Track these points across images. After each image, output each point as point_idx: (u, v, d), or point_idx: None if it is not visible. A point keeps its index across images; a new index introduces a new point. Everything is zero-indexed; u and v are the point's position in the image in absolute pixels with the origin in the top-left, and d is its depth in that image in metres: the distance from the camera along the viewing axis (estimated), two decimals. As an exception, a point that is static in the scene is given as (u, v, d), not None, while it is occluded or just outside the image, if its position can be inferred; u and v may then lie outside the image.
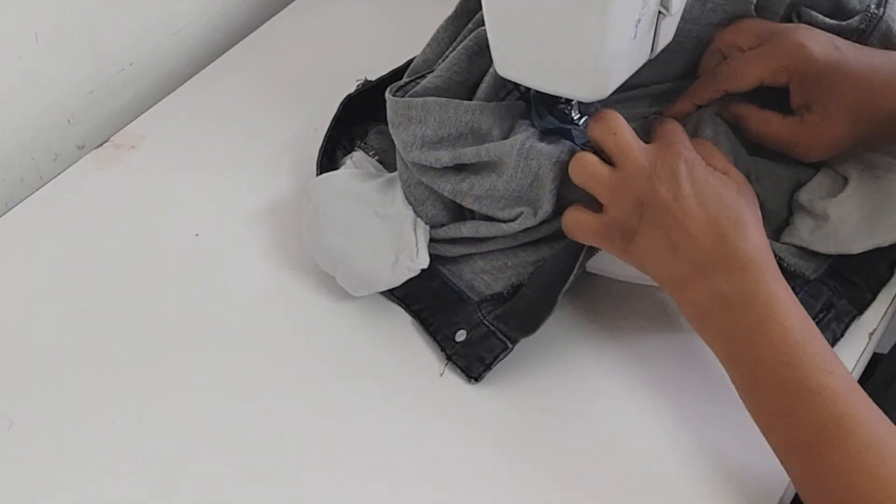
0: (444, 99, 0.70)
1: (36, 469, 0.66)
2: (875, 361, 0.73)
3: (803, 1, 0.74)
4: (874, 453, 0.55)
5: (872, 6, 0.73)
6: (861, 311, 0.70)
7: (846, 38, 0.71)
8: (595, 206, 0.66)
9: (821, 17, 0.73)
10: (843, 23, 0.73)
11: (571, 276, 0.67)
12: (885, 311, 0.71)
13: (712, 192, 0.63)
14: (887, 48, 0.72)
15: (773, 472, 0.62)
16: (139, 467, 0.65)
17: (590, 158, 0.65)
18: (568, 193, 0.68)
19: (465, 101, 0.70)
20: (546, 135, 0.70)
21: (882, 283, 0.71)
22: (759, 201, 0.68)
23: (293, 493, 0.64)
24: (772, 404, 0.59)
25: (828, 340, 0.66)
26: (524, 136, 0.69)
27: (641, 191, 0.63)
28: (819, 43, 0.68)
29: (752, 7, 0.73)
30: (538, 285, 0.69)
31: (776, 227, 0.72)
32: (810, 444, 0.56)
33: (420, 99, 0.70)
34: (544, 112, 0.71)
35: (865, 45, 0.72)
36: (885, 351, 0.78)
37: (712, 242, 0.61)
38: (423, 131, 0.70)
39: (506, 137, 0.70)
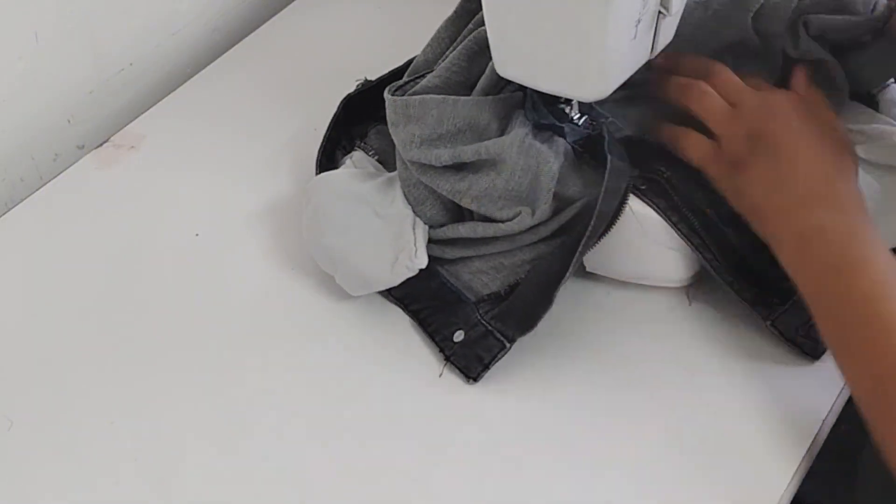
0: (440, 96, 0.70)
1: (36, 469, 0.66)
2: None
3: (808, 7, 0.72)
4: None
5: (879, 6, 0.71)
6: None
7: (860, 35, 0.71)
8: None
9: (831, 18, 0.71)
10: (858, 18, 0.70)
11: (568, 273, 0.67)
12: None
13: (823, 138, 0.66)
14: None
15: (771, 471, 0.62)
16: (139, 467, 0.65)
17: (709, 89, 0.69)
18: (566, 192, 0.68)
19: (463, 97, 0.70)
20: (539, 129, 0.70)
21: None
22: None
23: (293, 493, 0.64)
24: (857, 337, 0.60)
25: None
26: (524, 132, 0.69)
27: (756, 124, 0.67)
28: None
29: (751, 15, 0.72)
30: (535, 283, 0.69)
31: None
32: (889, 380, 0.57)
33: (418, 97, 0.70)
34: (539, 106, 0.71)
35: (878, 46, 0.71)
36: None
37: (818, 180, 0.64)
38: (422, 129, 0.70)
39: (504, 131, 0.70)
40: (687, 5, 0.72)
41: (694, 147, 0.69)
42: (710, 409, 0.66)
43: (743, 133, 0.67)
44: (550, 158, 0.67)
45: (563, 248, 0.69)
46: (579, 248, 0.67)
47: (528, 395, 0.68)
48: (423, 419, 0.67)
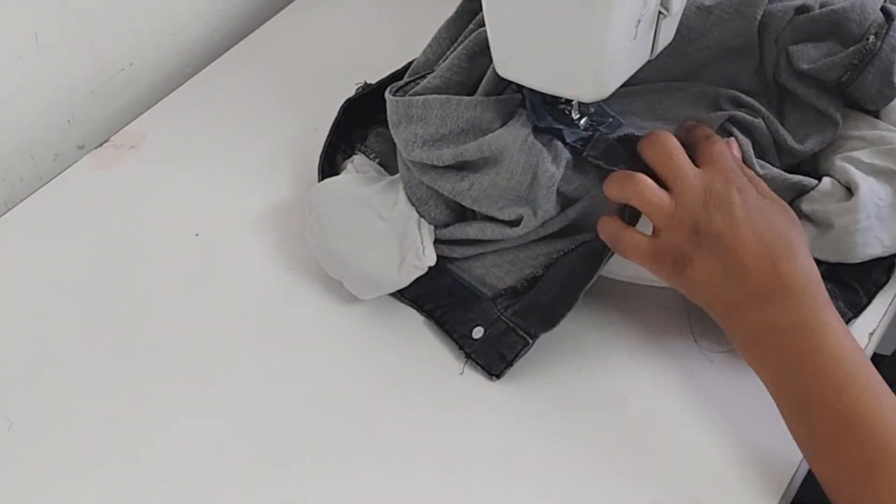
0: (444, 96, 0.70)
1: (36, 469, 0.66)
2: (876, 363, 0.73)
3: (802, 24, 0.72)
4: None
5: (871, 37, 0.71)
6: (856, 315, 0.69)
7: (838, 77, 0.70)
8: (622, 216, 0.66)
9: (808, 61, 0.71)
10: (835, 58, 0.71)
11: (596, 275, 0.67)
12: (885, 312, 0.71)
13: (765, 219, 0.63)
14: (883, 86, 0.71)
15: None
16: (139, 467, 0.65)
17: (648, 183, 0.65)
18: (568, 191, 0.68)
19: (466, 97, 0.70)
20: (538, 132, 0.70)
21: (878, 287, 0.71)
22: None
23: (298, 495, 0.64)
24: (821, 434, 0.59)
25: None
26: (525, 132, 0.69)
27: (696, 218, 0.63)
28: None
29: (756, 23, 0.72)
30: (556, 279, 0.69)
31: None
32: (858, 475, 0.57)
33: (420, 97, 0.70)
34: (539, 108, 0.71)
35: (860, 81, 0.70)
36: (888, 353, 0.78)
37: (765, 271, 0.61)
38: (425, 129, 0.70)
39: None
40: (688, 12, 0.72)
41: (632, 249, 0.66)
42: (710, 409, 0.66)
43: (686, 228, 0.63)
44: (548, 161, 0.67)
45: (587, 250, 0.69)
46: (608, 252, 0.67)
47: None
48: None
